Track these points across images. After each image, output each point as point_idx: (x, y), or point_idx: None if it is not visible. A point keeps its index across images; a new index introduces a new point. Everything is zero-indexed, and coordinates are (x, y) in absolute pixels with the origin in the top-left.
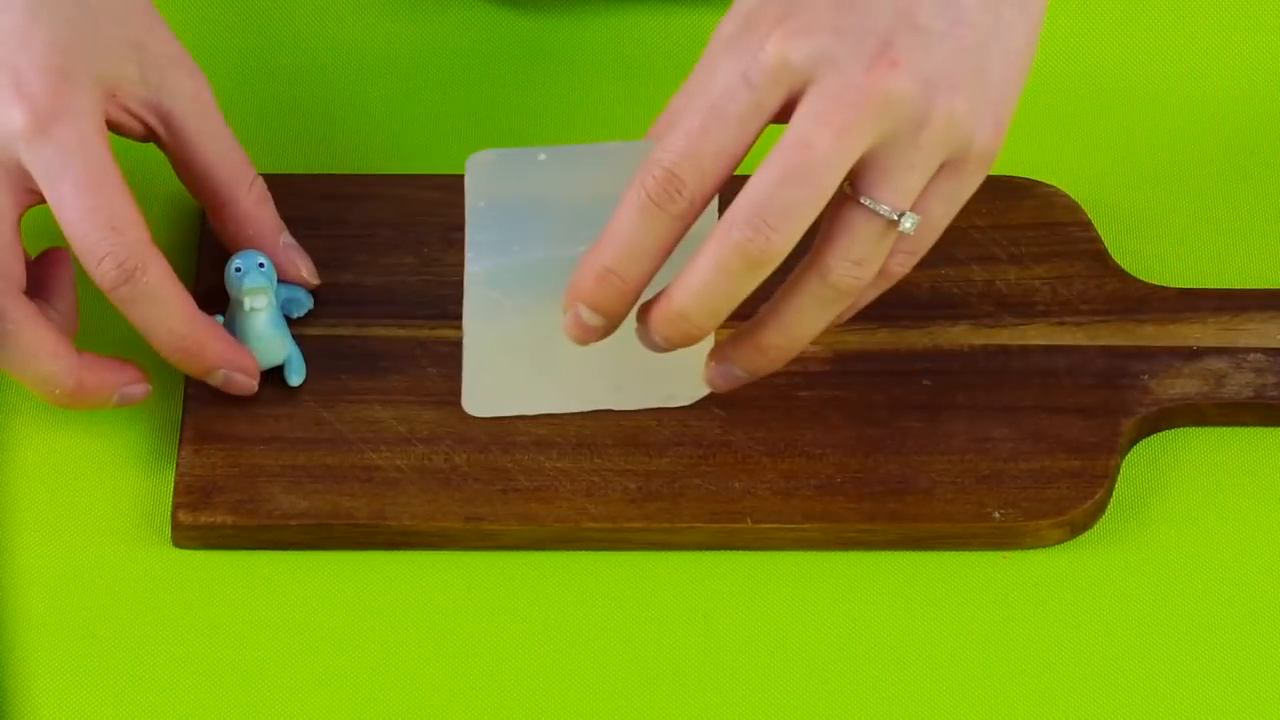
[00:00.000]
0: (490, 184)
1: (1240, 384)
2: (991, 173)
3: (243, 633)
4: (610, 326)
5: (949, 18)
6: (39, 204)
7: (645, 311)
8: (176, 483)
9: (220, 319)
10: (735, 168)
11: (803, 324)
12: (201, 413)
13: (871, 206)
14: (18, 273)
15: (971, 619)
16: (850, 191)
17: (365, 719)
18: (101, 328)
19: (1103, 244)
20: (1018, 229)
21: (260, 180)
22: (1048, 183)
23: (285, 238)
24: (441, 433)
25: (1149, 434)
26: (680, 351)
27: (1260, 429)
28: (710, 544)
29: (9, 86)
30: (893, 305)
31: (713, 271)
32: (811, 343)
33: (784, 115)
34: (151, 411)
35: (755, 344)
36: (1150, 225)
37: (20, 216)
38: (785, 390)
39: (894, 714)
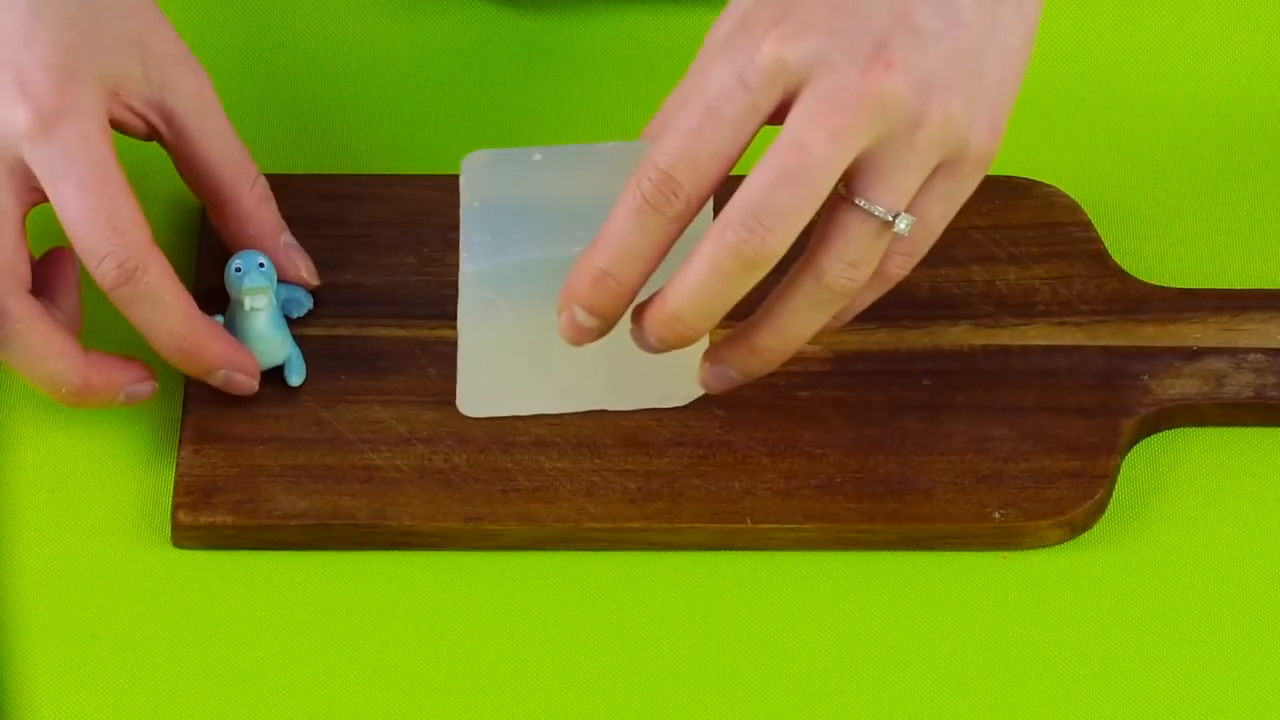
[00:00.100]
0: (485, 184)
1: (1240, 384)
2: (991, 173)
3: (243, 633)
4: (605, 328)
5: (945, 19)
6: (43, 203)
7: (640, 313)
8: (176, 483)
9: (220, 319)
10: (731, 169)
11: (797, 326)
12: (201, 413)
13: (866, 207)
14: (23, 272)
15: (971, 619)
16: (845, 193)
17: (365, 719)
18: (105, 327)
19: (1103, 244)
20: (1018, 229)
21: (262, 179)
22: (1048, 183)
23: (286, 237)
24: (441, 433)
25: (1149, 434)
26: (676, 352)
27: (1260, 429)
28: (710, 544)
29: (13, 85)
30: (893, 305)
31: (708, 273)
32: (811, 343)
33: (779, 116)
34: (151, 411)
35: (749, 345)
36: (1150, 225)
37: (25, 215)
38: (785, 390)
39: (894, 714)
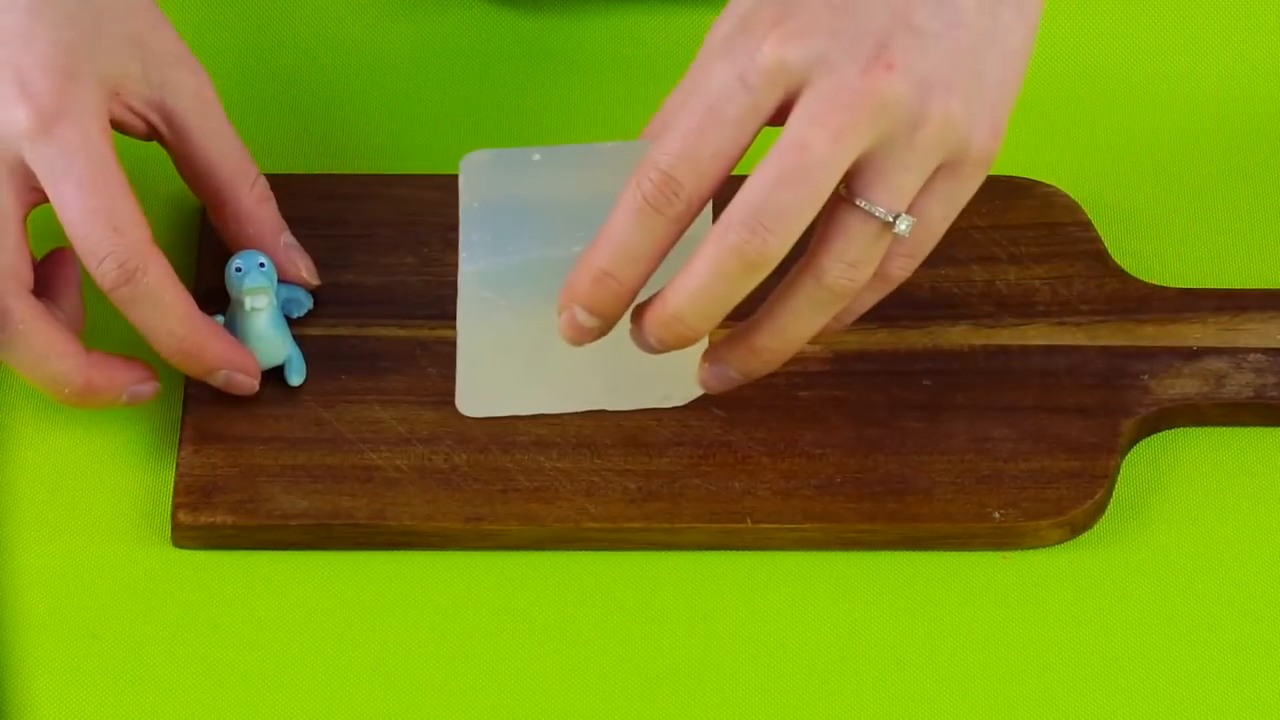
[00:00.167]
0: (484, 184)
1: (1240, 384)
2: (991, 173)
3: (243, 633)
4: (605, 328)
5: (945, 19)
6: (44, 203)
7: (640, 314)
8: (176, 483)
9: (220, 319)
10: (732, 169)
11: (797, 326)
12: (201, 413)
13: (867, 208)
14: (25, 273)
15: (971, 619)
16: (846, 193)
17: (365, 719)
18: (106, 327)
19: (1103, 244)
20: (1018, 229)
21: (262, 179)
22: (1048, 183)
23: (286, 237)
24: (441, 433)
25: (1149, 434)
26: (675, 352)
27: (1260, 429)
28: (710, 544)
29: (13, 85)
30: (893, 305)
31: (708, 274)
32: (811, 343)
33: (780, 117)
34: (151, 411)
35: (749, 346)
36: (1150, 225)
37: (26, 216)
38: (785, 390)
39: (894, 714)
